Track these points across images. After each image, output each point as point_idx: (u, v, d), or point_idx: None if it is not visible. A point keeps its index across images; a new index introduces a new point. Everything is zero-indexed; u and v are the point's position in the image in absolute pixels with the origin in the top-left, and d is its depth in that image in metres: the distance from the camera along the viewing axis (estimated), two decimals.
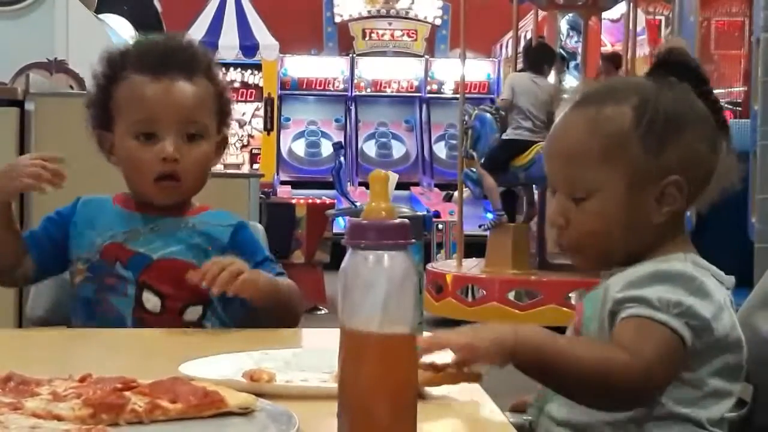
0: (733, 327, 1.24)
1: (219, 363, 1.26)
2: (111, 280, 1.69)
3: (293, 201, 7.34)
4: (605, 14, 7.63)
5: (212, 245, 1.73)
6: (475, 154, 6.86)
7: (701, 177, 1.29)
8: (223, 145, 1.82)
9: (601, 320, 1.25)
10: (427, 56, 11.92)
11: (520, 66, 7.22)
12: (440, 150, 11.68)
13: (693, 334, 1.19)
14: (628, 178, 1.27)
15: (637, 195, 1.27)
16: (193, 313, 1.71)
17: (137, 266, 1.69)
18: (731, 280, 1.29)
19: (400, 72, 11.91)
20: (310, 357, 1.32)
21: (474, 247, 7.15)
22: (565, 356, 1.19)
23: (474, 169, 6.92)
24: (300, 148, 11.60)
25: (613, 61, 7.49)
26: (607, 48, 9.13)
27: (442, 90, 11.88)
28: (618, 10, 7.95)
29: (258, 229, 1.97)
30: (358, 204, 7.82)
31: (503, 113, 6.83)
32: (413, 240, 0.91)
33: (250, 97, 11.66)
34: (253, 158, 11.49)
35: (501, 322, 1.26)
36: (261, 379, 1.15)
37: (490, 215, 8.34)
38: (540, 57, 6.85)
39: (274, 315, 1.66)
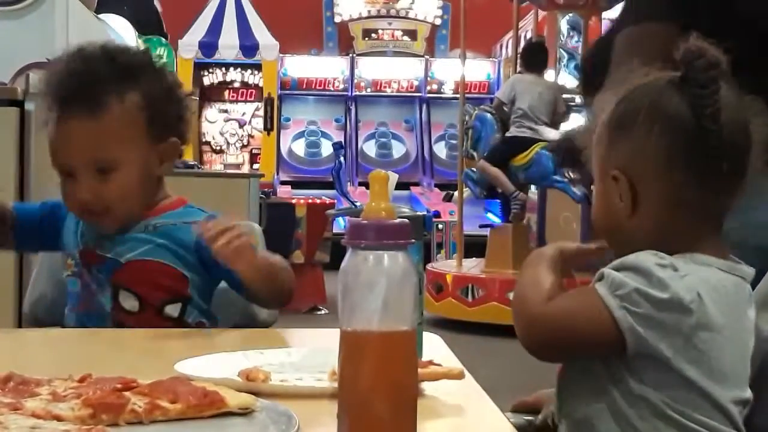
0: (702, 326, 1.21)
1: (215, 362, 1.26)
2: (89, 279, 1.72)
3: (293, 201, 7.34)
4: (605, 14, 7.63)
5: (178, 244, 1.72)
6: (475, 154, 6.87)
7: (657, 176, 1.27)
8: (170, 151, 1.75)
9: None
10: (427, 56, 11.92)
11: (520, 68, 7.24)
12: (440, 150, 11.69)
13: (634, 319, 1.19)
14: (597, 168, 1.33)
15: (605, 186, 1.31)
16: (173, 309, 1.71)
17: (108, 270, 1.71)
18: (750, 272, 1.28)
19: (400, 72, 11.91)
20: (306, 356, 1.32)
21: (474, 247, 7.15)
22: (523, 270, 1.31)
23: (474, 169, 6.92)
24: (300, 148, 11.60)
25: None
26: None
27: (442, 90, 11.88)
28: (618, 10, 7.95)
29: (255, 229, 1.97)
30: (358, 204, 7.81)
31: (499, 112, 6.85)
32: (413, 240, 0.91)
33: (250, 97, 11.67)
34: (253, 158, 11.50)
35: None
36: (257, 379, 1.16)
37: (490, 215, 8.34)
38: (534, 56, 6.85)
39: (264, 294, 1.66)
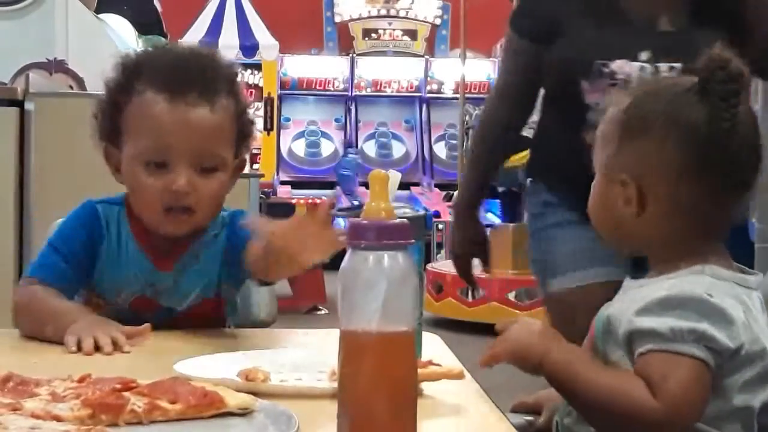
0: (754, 341, 1.20)
1: (214, 362, 1.26)
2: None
3: (293, 201, 7.33)
4: None
5: (217, 263, 1.68)
6: None
7: (668, 183, 1.26)
8: (240, 168, 1.70)
9: (609, 339, 1.24)
10: (427, 56, 11.91)
11: None
12: (440, 150, 11.68)
13: (714, 355, 1.17)
14: (601, 168, 1.32)
15: (608, 187, 1.31)
16: None
17: (159, 318, 1.63)
18: (757, 280, 1.27)
19: (400, 72, 11.90)
20: (305, 356, 1.32)
21: None
22: (587, 382, 1.20)
23: None
24: (300, 148, 11.60)
25: None
26: None
27: (442, 90, 11.87)
28: None
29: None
30: (356, 202, 7.80)
31: None
32: (413, 240, 0.91)
33: (250, 96, 11.65)
34: (253, 158, 11.46)
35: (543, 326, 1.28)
36: (256, 379, 1.16)
37: (490, 215, 8.34)
38: None
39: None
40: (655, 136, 1.26)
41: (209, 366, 1.23)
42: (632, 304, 1.22)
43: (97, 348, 1.42)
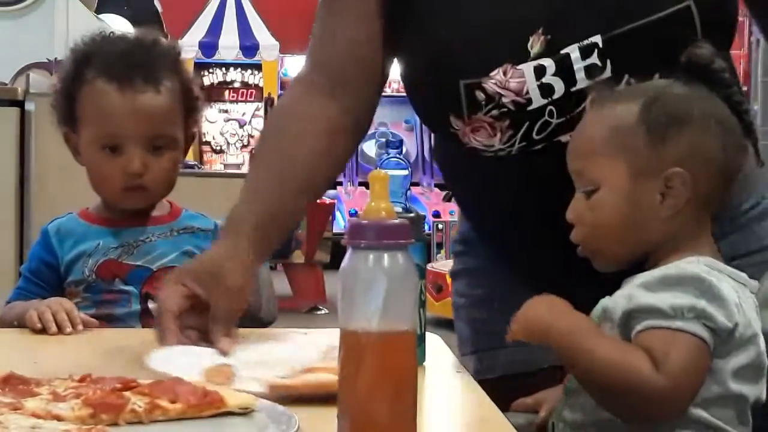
0: (747, 324, 1.22)
1: (185, 355, 1.26)
2: (110, 296, 1.70)
3: None
4: None
5: (200, 251, 1.73)
6: None
7: (709, 174, 1.27)
8: (190, 142, 1.82)
9: (605, 326, 1.24)
10: None
11: None
12: None
13: (711, 334, 1.18)
14: (630, 170, 1.28)
15: (641, 187, 1.27)
16: None
17: (138, 279, 1.71)
18: (754, 283, 1.28)
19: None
20: (279, 352, 1.32)
21: None
22: (591, 352, 1.20)
23: None
24: None
25: None
26: None
27: None
28: None
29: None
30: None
31: None
32: (413, 240, 0.91)
33: (251, 97, 11.66)
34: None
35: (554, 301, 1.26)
36: (216, 380, 1.14)
37: None
38: None
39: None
40: (697, 127, 1.27)
41: (177, 361, 1.21)
42: (629, 290, 1.24)
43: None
